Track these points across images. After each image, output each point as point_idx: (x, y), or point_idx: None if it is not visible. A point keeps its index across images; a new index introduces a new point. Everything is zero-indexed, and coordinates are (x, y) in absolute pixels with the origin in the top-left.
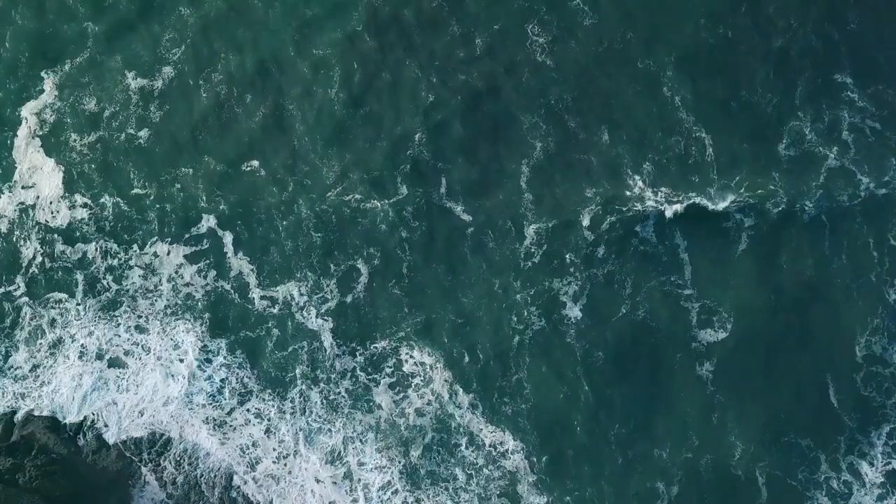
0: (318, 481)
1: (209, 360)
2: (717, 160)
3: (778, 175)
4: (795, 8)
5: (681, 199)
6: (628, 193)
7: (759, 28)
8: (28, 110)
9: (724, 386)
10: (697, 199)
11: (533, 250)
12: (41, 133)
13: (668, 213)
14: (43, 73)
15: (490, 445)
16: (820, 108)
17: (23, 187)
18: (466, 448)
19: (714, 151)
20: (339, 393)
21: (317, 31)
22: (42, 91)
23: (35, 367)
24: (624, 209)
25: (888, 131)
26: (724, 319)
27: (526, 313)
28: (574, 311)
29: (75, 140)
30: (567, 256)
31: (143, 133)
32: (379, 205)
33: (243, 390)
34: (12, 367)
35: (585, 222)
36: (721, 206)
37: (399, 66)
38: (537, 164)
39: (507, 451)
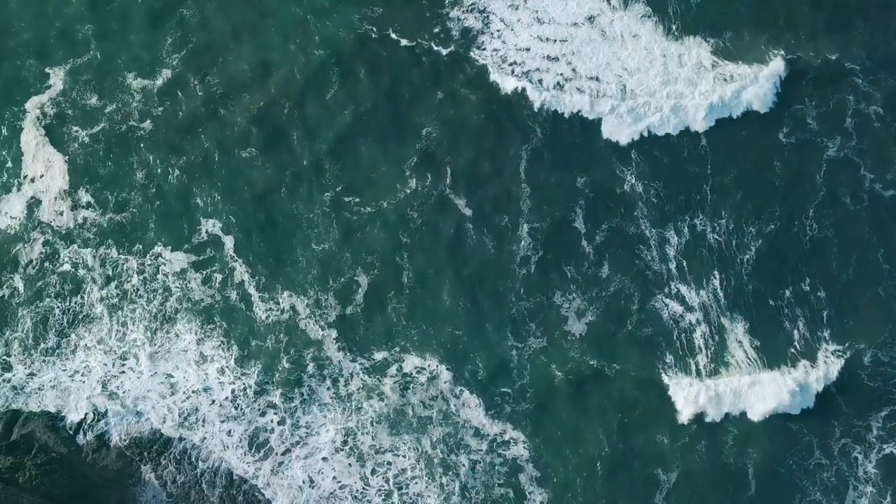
0: (331, 468)
1: (213, 359)
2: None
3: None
4: None
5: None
6: (618, 190)
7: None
8: (34, 104)
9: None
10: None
11: (531, 254)
12: (47, 123)
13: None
14: (48, 69)
15: (495, 435)
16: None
17: (31, 180)
18: (472, 437)
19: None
20: (349, 389)
21: (318, 29)
22: (49, 87)
23: (36, 365)
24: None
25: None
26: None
27: (525, 320)
28: (573, 318)
29: (77, 131)
30: (566, 260)
31: (146, 125)
32: (380, 206)
33: (256, 389)
34: (13, 365)
35: (581, 220)
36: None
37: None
38: (535, 161)
39: (509, 440)
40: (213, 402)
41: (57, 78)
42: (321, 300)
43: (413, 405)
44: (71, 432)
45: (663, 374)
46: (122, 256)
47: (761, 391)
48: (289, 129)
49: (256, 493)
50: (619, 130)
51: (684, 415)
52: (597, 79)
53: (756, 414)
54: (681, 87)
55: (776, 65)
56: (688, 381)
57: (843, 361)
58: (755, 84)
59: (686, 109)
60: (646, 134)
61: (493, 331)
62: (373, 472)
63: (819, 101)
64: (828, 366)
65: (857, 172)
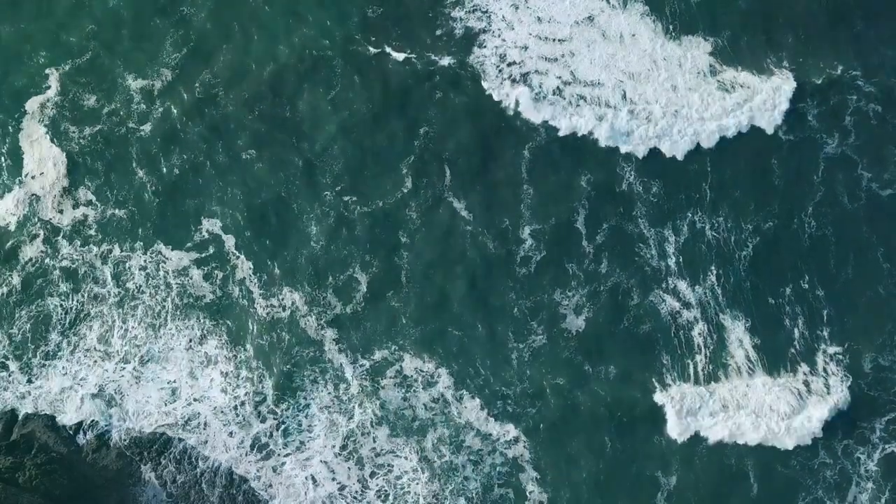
0: (330, 471)
1: (214, 359)
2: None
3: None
4: None
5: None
6: (618, 189)
7: None
8: (34, 104)
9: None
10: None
11: (532, 254)
12: (47, 122)
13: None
14: (47, 71)
15: (495, 437)
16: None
17: (32, 178)
18: (472, 438)
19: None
20: (349, 391)
21: (315, 31)
22: (48, 87)
23: (38, 365)
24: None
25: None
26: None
27: (526, 320)
28: (573, 319)
29: (77, 130)
30: (566, 259)
31: (147, 123)
32: (379, 205)
33: (257, 390)
34: (14, 364)
35: (581, 220)
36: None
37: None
38: (534, 160)
39: (510, 440)
40: (214, 403)
41: (56, 78)
42: (321, 299)
43: (413, 406)
44: (71, 432)
45: (659, 387)
46: (124, 254)
47: (757, 418)
48: (289, 128)
49: (256, 494)
50: (618, 135)
51: (678, 436)
52: (596, 83)
53: (753, 440)
54: (681, 95)
55: (779, 80)
56: (683, 393)
57: (844, 369)
58: (759, 94)
59: (686, 118)
60: (645, 138)
61: (494, 331)
62: (372, 474)
63: (819, 99)
64: (828, 374)
65: (855, 171)
